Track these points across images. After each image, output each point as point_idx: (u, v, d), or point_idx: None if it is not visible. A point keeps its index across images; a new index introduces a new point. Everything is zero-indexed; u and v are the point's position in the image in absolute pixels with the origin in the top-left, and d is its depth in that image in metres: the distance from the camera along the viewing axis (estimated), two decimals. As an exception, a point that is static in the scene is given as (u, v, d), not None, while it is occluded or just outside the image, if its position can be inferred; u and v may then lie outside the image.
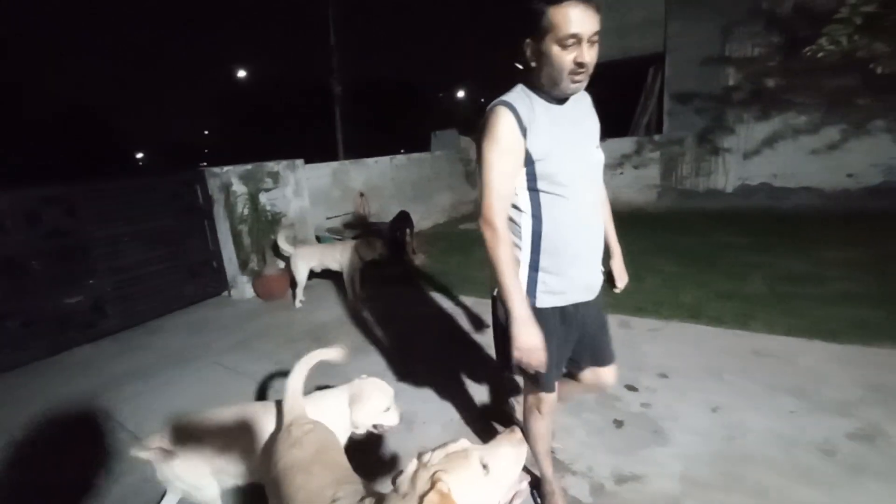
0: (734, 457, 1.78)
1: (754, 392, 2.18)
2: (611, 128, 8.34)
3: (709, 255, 4.33)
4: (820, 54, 3.67)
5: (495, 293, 1.33)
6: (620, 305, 3.26)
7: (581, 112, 1.32)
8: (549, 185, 1.23)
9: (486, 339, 2.93)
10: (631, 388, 2.29)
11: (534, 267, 1.29)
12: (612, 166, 7.41)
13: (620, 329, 2.93)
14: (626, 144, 7.42)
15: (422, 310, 3.61)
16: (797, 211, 5.86)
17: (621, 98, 8.67)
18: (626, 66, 7.99)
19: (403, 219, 5.16)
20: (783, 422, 1.96)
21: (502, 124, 1.18)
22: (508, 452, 0.87)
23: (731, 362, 2.46)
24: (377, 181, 6.26)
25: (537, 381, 1.38)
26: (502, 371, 1.46)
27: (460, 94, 24.51)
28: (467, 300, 3.72)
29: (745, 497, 1.59)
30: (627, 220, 6.23)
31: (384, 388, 1.64)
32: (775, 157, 6.24)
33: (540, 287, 1.30)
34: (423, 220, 6.88)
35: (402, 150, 9.95)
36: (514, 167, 1.21)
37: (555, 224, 1.25)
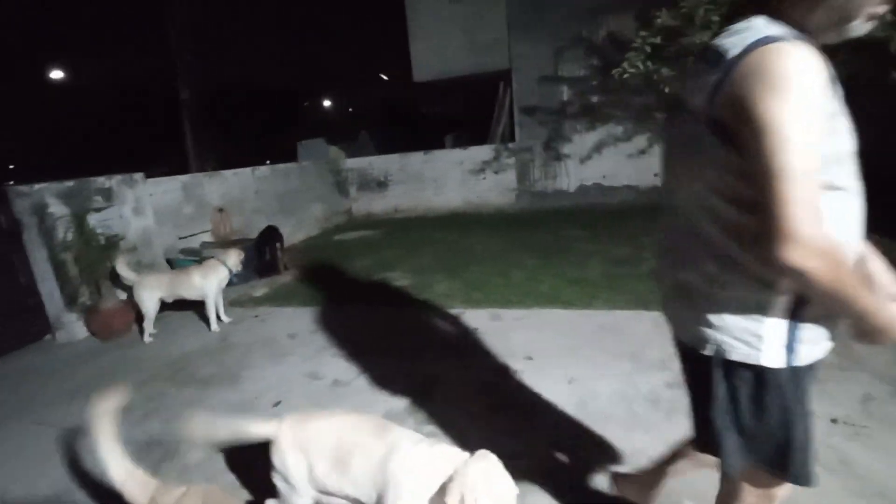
0: (589, 419, 2.09)
1: (601, 361, 2.57)
2: (473, 136, 9.00)
3: (560, 247, 4.94)
4: (625, 76, 4.50)
5: (719, 350, 0.90)
6: (491, 300, 3.56)
7: None
8: (836, 174, 0.80)
9: (385, 344, 2.95)
10: (503, 373, 2.52)
11: (800, 302, 0.85)
12: (475, 172, 7.99)
13: (492, 321, 3.20)
14: (485, 152, 8.05)
15: (301, 325, 3.46)
16: (622, 205, 7.03)
17: (479, 109, 9.42)
18: (480, 80, 8.70)
19: (271, 234, 4.87)
20: (623, 382, 2.35)
21: (806, 69, 0.72)
22: None
23: (582, 338, 2.86)
24: (238, 195, 5.79)
25: (787, 470, 0.92)
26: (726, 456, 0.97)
27: (326, 102, 23.86)
28: (352, 309, 3.69)
29: (598, 453, 1.88)
30: (492, 222, 6.80)
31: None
32: (603, 161, 7.39)
33: (802, 334, 0.87)
34: (294, 234, 6.57)
35: (268, 161, 9.36)
36: (820, 141, 0.75)
37: (838, 237, 0.81)
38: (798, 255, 0.72)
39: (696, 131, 0.86)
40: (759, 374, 0.89)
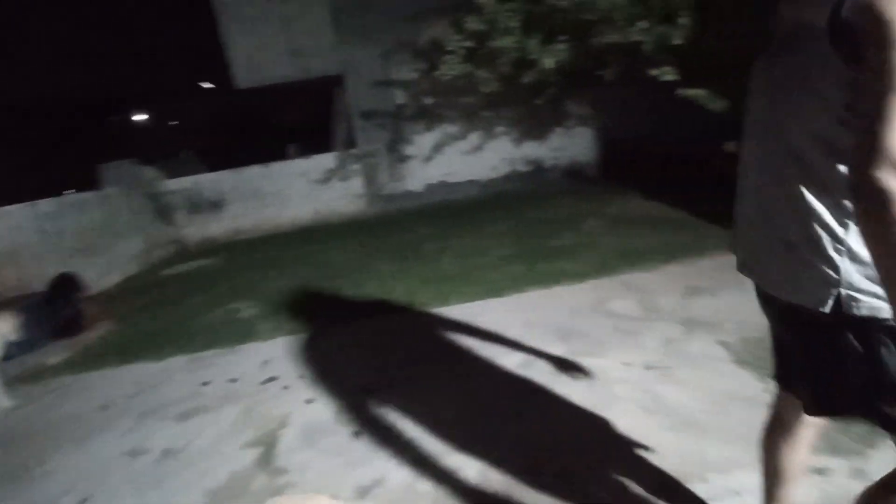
0: (443, 426, 2.11)
1: (452, 363, 2.62)
2: (312, 145, 8.58)
3: (413, 248, 4.99)
4: (446, 78, 4.73)
5: (836, 305, 0.84)
6: (346, 315, 3.41)
7: None
8: None
9: (241, 391, 2.56)
10: (364, 393, 2.41)
11: None
12: (321, 181, 7.66)
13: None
14: (329, 160, 7.75)
15: (116, 391, 2.85)
16: (466, 200, 7.44)
17: (318, 116, 9.02)
18: (312, 86, 8.31)
19: (65, 283, 3.95)
20: (467, 380, 2.44)
21: None
22: None
23: (436, 341, 2.90)
24: (14, 240, 4.56)
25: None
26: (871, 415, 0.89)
27: (139, 116, 20.37)
28: (184, 358, 3.15)
29: (449, 457, 1.90)
30: (345, 231, 6.58)
31: None
32: (444, 159, 7.71)
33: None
34: (104, 278, 5.45)
35: (68, 191, 7.60)
36: None
37: None
38: (885, 172, 0.66)
39: (811, 49, 0.80)
40: (891, 326, 0.82)
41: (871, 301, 0.82)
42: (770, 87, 0.93)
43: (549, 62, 4.37)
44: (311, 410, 2.33)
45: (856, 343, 0.85)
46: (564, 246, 4.21)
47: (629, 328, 2.69)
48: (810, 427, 1.11)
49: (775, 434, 1.20)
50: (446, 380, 2.43)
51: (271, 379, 2.70)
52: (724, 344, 2.40)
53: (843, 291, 0.83)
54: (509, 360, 2.51)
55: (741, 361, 2.25)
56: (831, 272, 0.84)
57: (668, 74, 3.90)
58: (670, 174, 5.66)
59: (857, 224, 0.76)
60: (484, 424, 2.05)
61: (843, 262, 0.83)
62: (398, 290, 3.76)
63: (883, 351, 0.83)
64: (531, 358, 2.51)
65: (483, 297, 3.40)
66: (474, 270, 3.98)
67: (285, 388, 2.58)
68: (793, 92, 0.86)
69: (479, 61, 4.80)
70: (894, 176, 0.65)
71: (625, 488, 1.62)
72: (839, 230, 0.83)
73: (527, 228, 5.05)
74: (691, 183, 5.16)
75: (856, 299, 0.83)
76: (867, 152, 0.68)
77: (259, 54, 8.01)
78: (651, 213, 4.71)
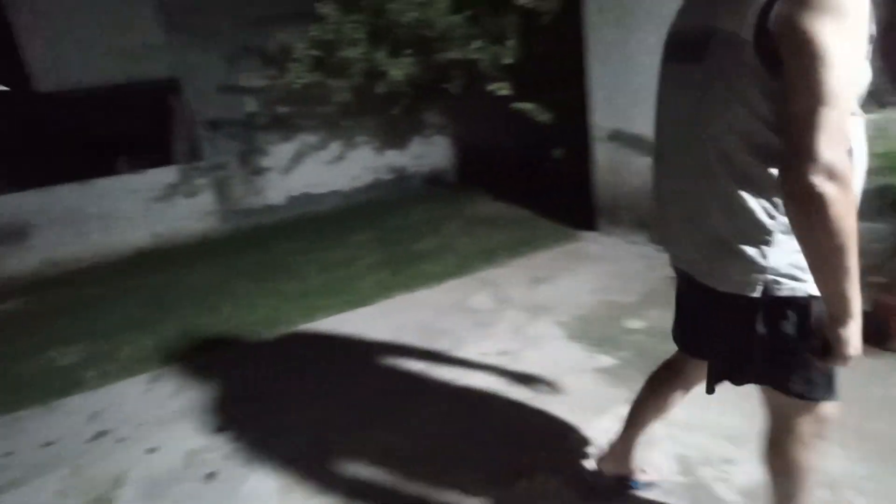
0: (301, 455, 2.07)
1: (318, 381, 2.57)
2: (146, 157, 7.53)
3: (276, 264, 4.73)
4: (295, 86, 4.59)
5: (758, 289, 0.94)
6: (196, 348, 3.09)
7: None
8: (856, 101, 0.83)
9: (41, 456, 2.11)
10: (218, 430, 2.23)
11: None
12: (160, 198, 6.78)
13: (199, 374, 2.78)
14: (169, 174, 6.90)
15: None
16: (330, 211, 7.30)
17: (146, 124, 7.94)
18: (140, 90, 7.31)
19: None
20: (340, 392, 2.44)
21: None
22: None
23: (301, 360, 2.82)
24: None
25: (830, 389, 1.01)
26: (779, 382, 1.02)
27: None
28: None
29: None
30: (192, 252, 5.93)
31: None
32: (305, 170, 7.45)
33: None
34: None
35: None
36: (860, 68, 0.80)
37: (859, 165, 0.89)
38: (818, 177, 0.71)
39: (732, 63, 0.85)
40: (803, 305, 0.94)
41: (791, 283, 0.94)
42: (691, 90, 0.97)
43: (397, 74, 4.53)
44: (154, 460, 2.07)
45: (767, 319, 0.98)
46: (426, 250, 4.41)
47: (485, 320, 2.94)
48: (702, 377, 1.24)
49: (670, 375, 1.38)
50: (309, 399, 2.38)
51: (101, 434, 2.33)
52: (560, 324, 2.78)
53: (770, 277, 0.94)
54: (377, 367, 2.56)
55: (573, 337, 2.64)
56: (760, 261, 0.93)
57: (503, 90, 4.35)
58: (515, 178, 6.30)
59: (788, 220, 0.84)
60: (352, 437, 2.07)
61: (770, 251, 0.92)
62: (260, 311, 3.54)
63: (786, 325, 0.96)
64: (399, 361, 2.60)
65: (351, 308, 3.39)
66: (340, 282, 3.93)
67: (120, 440, 2.25)
68: (718, 95, 0.90)
69: (328, 70, 4.76)
70: (825, 181, 0.70)
71: (491, 459, 1.79)
72: (768, 222, 0.91)
73: (391, 235, 5.15)
74: (531, 185, 5.83)
75: (778, 282, 0.94)
76: (798, 158, 0.73)
77: (70, 53, 6.79)
78: (501, 214, 5.19)
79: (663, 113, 1.10)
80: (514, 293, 3.26)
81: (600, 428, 1.88)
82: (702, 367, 1.23)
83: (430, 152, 7.96)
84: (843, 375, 1.00)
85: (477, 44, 4.27)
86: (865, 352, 0.91)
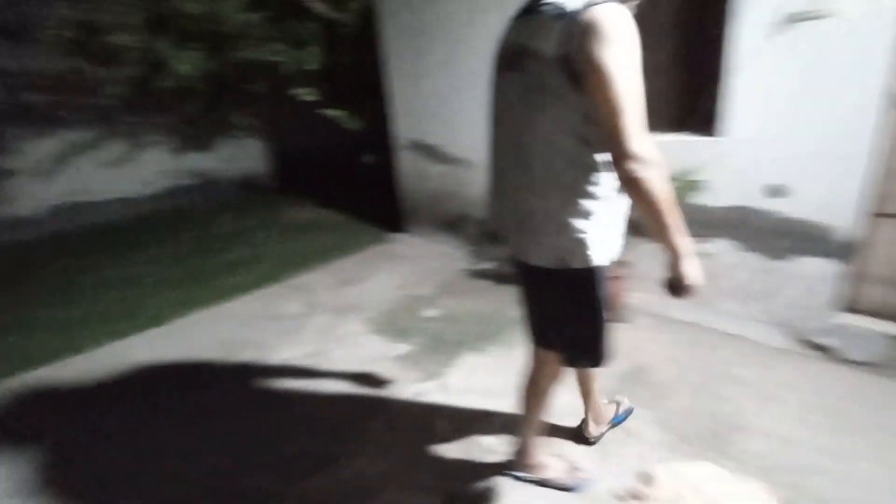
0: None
1: (93, 424, 2.25)
2: None
3: (29, 291, 3.82)
4: (51, 72, 3.78)
5: (563, 262, 1.18)
6: None
7: None
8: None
9: None
10: None
11: (610, 217, 1.19)
12: None
13: None
14: None
15: None
16: (116, 221, 6.19)
17: None
18: None
19: None
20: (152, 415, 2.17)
21: (629, 25, 0.99)
22: None
23: (70, 402, 2.39)
24: None
25: (607, 350, 1.32)
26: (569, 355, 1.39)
27: None
28: None
29: None
30: None
31: None
32: (74, 174, 6.14)
33: (611, 241, 1.21)
34: None
35: None
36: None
37: None
38: (640, 166, 0.96)
39: (545, 75, 1.04)
40: (590, 273, 1.17)
41: (602, 253, 1.17)
42: (516, 92, 1.15)
43: (185, 68, 4.13)
44: None
45: (580, 285, 1.21)
46: (235, 260, 4.13)
47: (293, 327, 2.93)
48: (556, 363, 1.45)
49: (540, 377, 1.51)
50: (85, 452, 2.05)
51: None
52: (367, 321, 2.95)
53: (589, 252, 1.15)
54: (167, 394, 2.34)
55: (378, 331, 2.83)
56: (582, 236, 1.14)
57: (309, 95, 4.35)
58: (330, 182, 6.34)
59: (621, 196, 1.15)
60: (144, 468, 1.86)
61: (589, 228, 1.14)
62: (10, 350, 2.84)
63: (598, 288, 1.21)
64: (195, 381, 2.42)
65: (137, 331, 2.98)
66: (125, 302, 3.42)
67: None
68: (538, 98, 1.09)
69: (91, 56, 4.05)
70: (639, 168, 0.96)
71: (301, 453, 1.82)
72: (587, 203, 1.12)
73: (194, 247, 4.67)
74: (345, 190, 5.94)
75: (594, 253, 1.16)
76: (616, 156, 0.99)
77: None
78: (317, 219, 5.17)
79: (496, 112, 1.26)
80: (324, 297, 3.32)
81: (398, 407, 2.11)
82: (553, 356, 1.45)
83: (241, 155, 7.38)
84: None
85: (278, 46, 4.18)
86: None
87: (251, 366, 2.53)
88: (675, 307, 2.55)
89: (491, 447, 1.86)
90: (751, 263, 2.44)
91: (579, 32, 0.97)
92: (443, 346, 2.59)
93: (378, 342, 2.70)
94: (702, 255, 2.49)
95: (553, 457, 1.69)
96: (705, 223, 2.54)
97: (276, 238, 4.66)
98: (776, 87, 2.15)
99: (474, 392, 2.19)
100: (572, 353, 1.38)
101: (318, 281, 3.59)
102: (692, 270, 1.09)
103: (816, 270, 2.24)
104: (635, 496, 1.58)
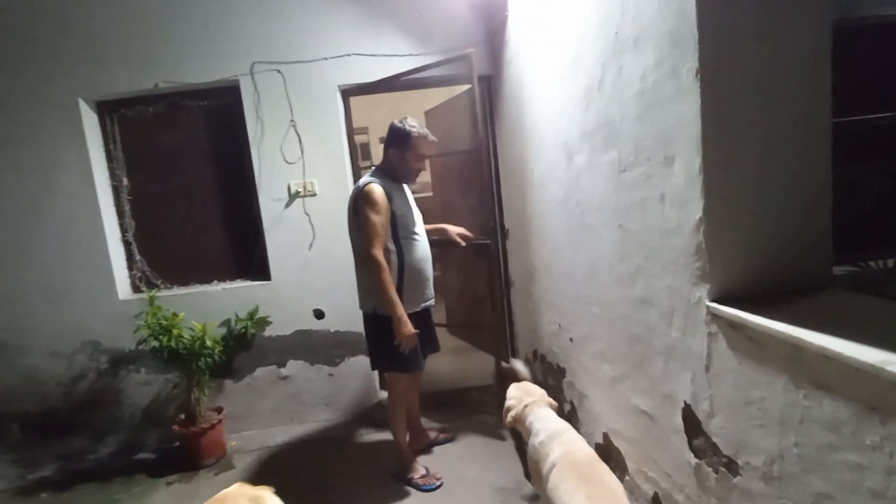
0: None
1: None
2: None
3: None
4: None
5: (373, 310, 2.22)
6: None
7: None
8: (406, 232, 2.23)
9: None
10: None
11: (399, 287, 2.21)
12: None
13: None
14: None
15: None
16: None
17: None
18: None
19: None
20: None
21: (379, 194, 2.11)
22: None
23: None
24: None
25: (409, 363, 2.22)
26: (377, 367, 2.42)
27: None
28: None
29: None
30: None
31: None
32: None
33: (405, 299, 2.19)
34: None
35: None
36: (387, 220, 2.15)
37: (412, 258, 2.24)
38: (374, 262, 2.08)
39: (352, 215, 2.21)
40: (387, 320, 2.12)
41: (383, 306, 2.13)
42: (350, 222, 2.26)
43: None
44: None
45: (377, 326, 2.22)
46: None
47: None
48: (417, 383, 2.51)
49: (408, 399, 2.45)
50: None
51: None
52: None
53: (379, 304, 2.16)
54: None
55: None
56: (372, 299, 2.21)
57: None
58: None
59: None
60: None
61: (372, 293, 2.18)
62: None
63: (381, 329, 2.18)
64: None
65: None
66: None
67: None
68: (353, 227, 2.23)
69: None
70: (374, 262, 2.07)
71: None
72: (368, 281, 2.19)
73: None
74: None
75: (381, 307, 2.15)
76: (367, 255, 2.09)
77: None
78: None
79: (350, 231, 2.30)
80: None
81: None
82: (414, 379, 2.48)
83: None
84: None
85: None
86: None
87: None
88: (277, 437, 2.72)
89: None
90: (320, 373, 3.01)
91: (360, 196, 2.13)
92: None
93: None
94: (282, 378, 2.91)
95: (418, 464, 2.37)
96: (279, 350, 2.95)
97: None
98: (295, 241, 2.92)
99: None
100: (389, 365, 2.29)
101: None
102: (404, 326, 2.09)
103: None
104: None
